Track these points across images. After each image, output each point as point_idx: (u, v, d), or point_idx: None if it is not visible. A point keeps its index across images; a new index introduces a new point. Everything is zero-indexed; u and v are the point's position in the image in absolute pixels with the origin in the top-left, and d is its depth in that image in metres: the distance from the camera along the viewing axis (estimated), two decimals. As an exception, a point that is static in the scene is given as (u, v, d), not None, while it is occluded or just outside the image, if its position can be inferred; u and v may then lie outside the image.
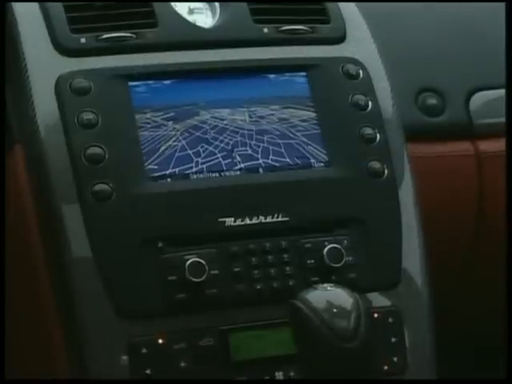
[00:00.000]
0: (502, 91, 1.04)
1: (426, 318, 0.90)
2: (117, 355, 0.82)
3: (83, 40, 0.89)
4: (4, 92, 0.71)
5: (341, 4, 0.99)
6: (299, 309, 0.70)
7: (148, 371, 0.82)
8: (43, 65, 0.87)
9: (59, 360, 0.89)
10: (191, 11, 0.94)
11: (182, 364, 0.83)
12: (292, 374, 0.85)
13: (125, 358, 0.82)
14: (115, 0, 0.95)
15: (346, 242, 0.88)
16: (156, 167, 0.86)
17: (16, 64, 0.84)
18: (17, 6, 0.74)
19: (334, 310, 0.69)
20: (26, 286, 0.90)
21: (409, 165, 0.92)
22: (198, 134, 0.88)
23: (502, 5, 1.11)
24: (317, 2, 0.97)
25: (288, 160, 0.89)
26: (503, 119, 1.03)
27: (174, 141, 0.88)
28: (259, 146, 0.89)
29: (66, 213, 0.84)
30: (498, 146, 1.02)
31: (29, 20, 0.86)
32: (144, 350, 0.82)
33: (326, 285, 0.73)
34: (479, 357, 1.22)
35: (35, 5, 0.91)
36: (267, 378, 0.86)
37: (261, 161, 0.89)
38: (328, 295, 0.71)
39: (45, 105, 0.86)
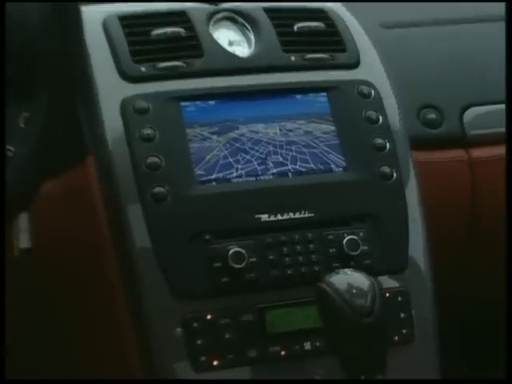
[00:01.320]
0: (491, 107, 1.03)
1: (429, 297, 0.89)
2: (173, 328, 0.82)
3: (143, 69, 0.89)
4: (4, 92, 0.66)
5: (354, 34, 0.98)
6: (324, 290, 0.70)
7: (199, 342, 0.82)
8: (110, 89, 0.88)
9: (128, 340, 0.87)
10: (231, 43, 0.94)
11: (227, 336, 0.83)
12: (318, 344, 0.84)
13: (179, 330, 0.82)
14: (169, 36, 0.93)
15: (361, 233, 0.87)
16: (203, 173, 0.86)
17: (88, 89, 0.85)
18: (88, 40, 0.76)
19: (354, 291, 0.69)
20: (99, 277, 0.90)
21: (413, 169, 0.92)
22: (237, 145, 0.88)
23: (493, 38, 1.08)
24: (335, 34, 0.97)
25: (312, 166, 0.89)
26: (492, 130, 1.02)
27: (218, 151, 0.87)
28: (288, 155, 0.89)
29: (129, 211, 0.84)
30: (487, 152, 1.01)
31: (98, 52, 0.86)
32: (195, 324, 0.83)
33: (346, 270, 0.73)
34: (478, 344, 1.18)
35: (103, 39, 0.90)
36: (297, 347, 0.85)
37: (290, 166, 0.89)
38: (348, 278, 0.71)
39: (112, 122, 0.86)
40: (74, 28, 0.70)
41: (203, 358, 0.82)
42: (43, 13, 0.68)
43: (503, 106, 1.03)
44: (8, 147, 0.77)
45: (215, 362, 0.82)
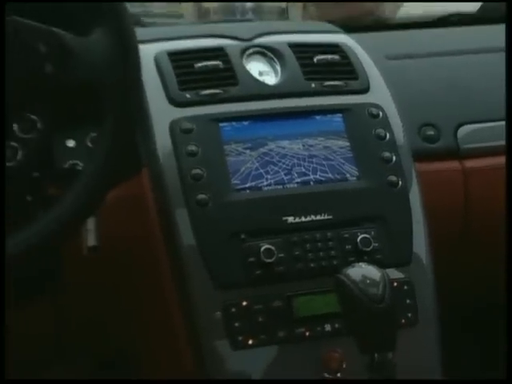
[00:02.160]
0: (481, 124, 1.03)
1: (430, 287, 0.90)
2: (214, 313, 0.83)
3: (188, 95, 0.90)
4: (4, 95, 0.64)
5: (364, 65, 0.99)
6: (342, 281, 0.70)
7: (237, 324, 0.83)
8: (161, 113, 0.89)
9: (177, 323, 0.87)
10: (261, 73, 0.95)
11: (260, 319, 0.83)
12: (337, 326, 0.84)
13: (219, 314, 0.82)
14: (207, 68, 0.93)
15: (372, 232, 0.87)
16: (238, 182, 0.87)
17: (142, 112, 0.86)
18: (143, 72, 0.75)
19: (367, 281, 0.69)
20: (152, 270, 0.90)
21: (416, 178, 0.92)
22: (267, 158, 0.89)
23: (482, 67, 1.09)
24: (348, 65, 0.97)
25: (330, 175, 0.89)
26: (482, 144, 1.03)
27: (251, 163, 0.88)
28: (310, 166, 0.89)
29: (177, 215, 0.85)
30: (478, 163, 1.01)
31: (151, 82, 0.87)
32: (233, 310, 0.83)
33: (360, 263, 0.73)
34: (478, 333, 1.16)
35: (155, 71, 0.92)
36: (319, 329, 0.84)
37: (311, 176, 0.89)
38: (362, 271, 0.71)
39: (162, 140, 0.88)
40: (133, 63, 0.69)
41: (240, 338, 0.82)
42: (109, 53, 0.68)
43: (492, 124, 1.04)
44: (77, 162, 0.79)
45: (250, 341, 0.82)
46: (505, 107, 0.99)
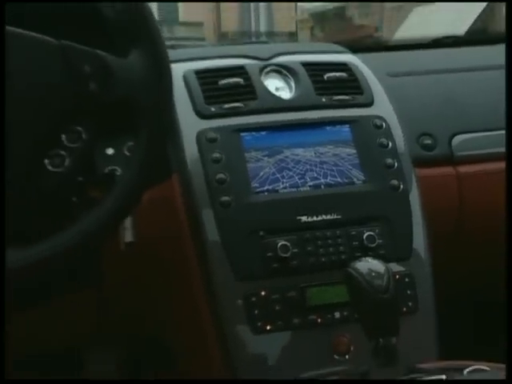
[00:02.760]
0: (472, 134, 1.03)
1: (428, 279, 0.90)
2: (236, 301, 0.84)
3: (213, 109, 0.91)
4: (4, 97, 0.62)
5: (369, 81, 0.99)
6: (351, 273, 0.71)
7: (256, 312, 0.83)
8: (189, 124, 0.90)
9: (204, 311, 0.88)
10: (277, 89, 0.96)
11: (276, 308, 0.84)
12: (345, 313, 0.85)
13: (240, 302, 0.83)
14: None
15: (377, 230, 0.88)
16: (258, 185, 0.88)
17: (173, 124, 0.87)
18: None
19: (373, 274, 0.69)
20: (181, 264, 0.90)
21: (415, 182, 0.92)
22: (282, 164, 0.89)
23: (474, 84, 1.09)
24: (355, 81, 0.98)
25: (339, 180, 0.90)
26: (473, 152, 1.02)
27: (268, 169, 0.89)
28: (321, 171, 0.90)
29: (203, 215, 0.86)
30: (470, 169, 1.01)
31: (180, 97, 0.87)
32: (253, 299, 0.83)
33: (366, 258, 0.73)
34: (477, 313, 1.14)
35: (183, 88, 0.92)
36: (329, 316, 0.85)
37: (322, 180, 0.89)
38: (368, 264, 0.71)
39: (190, 149, 0.88)
40: (166, 82, 0.69)
41: (259, 324, 0.83)
42: (145, 72, 0.67)
43: (482, 134, 1.04)
44: (116, 168, 0.79)
45: (268, 327, 0.83)
46: (504, 110, 0.95)
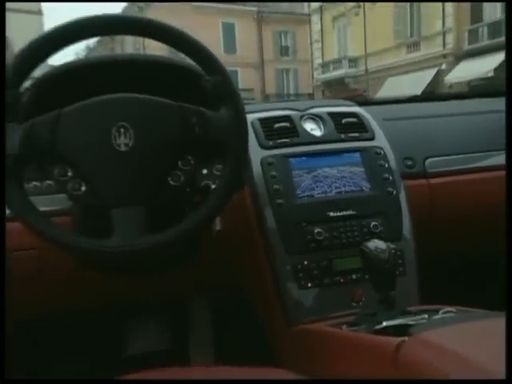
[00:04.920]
0: (440, 157, 1.03)
1: (412, 252, 0.90)
2: (287, 267, 0.85)
3: (270, 143, 0.92)
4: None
5: (371, 124, 0.99)
6: (363, 250, 0.72)
7: (301, 274, 0.84)
8: (255, 153, 0.91)
9: (266, 275, 0.87)
10: (312, 129, 0.97)
11: (314, 272, 0.84)
12: (359, 276, 0.85)
13: (290, 268, 0.84)
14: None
15: (379, 221, 0.89)
16: (300, 192, 0.88)
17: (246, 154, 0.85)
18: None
19: (378, 250, 0.70)
20: (252, 245, 0.89)
21: (403, 190, 0.93)
22: (316, 178, 0.90)
23: (445, 123, 1.09)
24: (362, 124, 0.99)
25: (354, 188, 0.91)
26: (440, 169, 1.03)
27: (307, 182, 0.90)
28: (342, 183, 0.91)
29: (265, 212, 0.87)
30: (437, 180, 1.01)
31: (250, 138, 0.82)
32: (299, 266, 0.84)
33: (373, 239, 0.74)
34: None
35: (252, 130, 0.92)
36: (349, 277, 0.85)
37: (342, 189, 0.90)
38: (375, 244, 0.71)
39: (256, 169, 0.89)
40: (244, 128, 0.70)
41: (303, 282, 0.84)
42: (230, 121, 0.67)
43: (446, 157, 1.04)
44: (209, 182, 0.80)
45: (309, 284, 0.84)
46: (459, 141, 1.01)
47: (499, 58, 11.66)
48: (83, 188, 0.64)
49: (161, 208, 0.66)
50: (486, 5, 12.78)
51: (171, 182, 0.68)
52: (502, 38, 11.22)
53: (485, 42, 12.67)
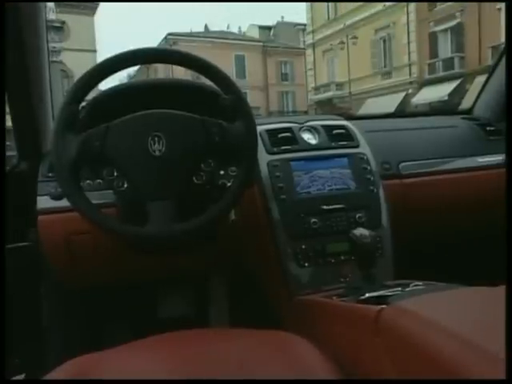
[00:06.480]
0: (412, 162, 1.00)
1: (389, 238, 0.88)
2: (287, 249, 0.83)
3: (275, 149, 0.90)
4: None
5: (357, 134, 0.96)
6: (351, 236, 0.70)
7: (299, 256, 0.82)
8: (262, 158, 0.89)
9: (272, 255, 0.85)
10: (309, 138, 0.95)
11: (310, 254, 0.83)
12: (347, 257, 0.82)
13: (290, 250, 0.82)
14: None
15: (363, 213, 0.86)
16: (299, 190, 0.86)
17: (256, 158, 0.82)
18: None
19: (363, 236, 0.69)
20: (260, 232, 0.87)
21: (382, 188, 0.91)
22: (312, 178, 0.88)
23: (417, 134, 1.07)
24: (349, 134, 0.96)
25: (343, 186, 0.89)
26: (411, 171, 1.00)
27: (304, 181, 0.87)
28: (333, 182, 0.89)
29: (271, 205, 0.85)
30: (409, 180, 0.99)
31: (258, 146, 0.78)
32: (297, 249, 0.83)
33: (358, 228, 0.72)
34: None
35: (260, 139, 0.88)
36: (338, 257, 0.82)
37: (333, 187, 0.88)
38: (360, 231, 0.70)
39: (263, 171, 0.87)
40: (255, 137, 0.67)
41: (301, 262, 0.82)
42: (244, 131, 0.66)
43: (417, 162, 1.02)
44: (225, 181, 0.74)
45: (306, 264, 0.83)
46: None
47: (452, 85, 12.66)
48: (125, 185, 0.65)
49: (187, 202, 0.65)
50: (440, 45, 13.58)
51: (195, 181, 0.67)
52: (454, 71, 12.66)
53: (440, 73, 13.45)
